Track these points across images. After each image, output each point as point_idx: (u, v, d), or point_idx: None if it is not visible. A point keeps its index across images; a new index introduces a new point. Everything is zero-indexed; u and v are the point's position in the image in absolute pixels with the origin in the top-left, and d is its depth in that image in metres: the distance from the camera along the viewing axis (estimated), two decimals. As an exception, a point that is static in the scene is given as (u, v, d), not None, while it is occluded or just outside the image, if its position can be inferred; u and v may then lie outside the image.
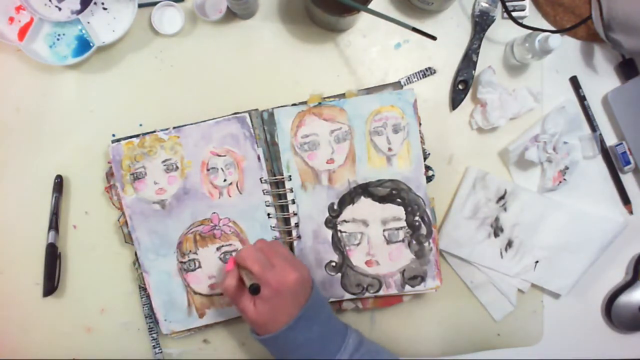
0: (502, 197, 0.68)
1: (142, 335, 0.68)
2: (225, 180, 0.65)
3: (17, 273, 0.68)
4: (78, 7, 0.66)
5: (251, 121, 0.65)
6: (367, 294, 0.65)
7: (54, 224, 0.67)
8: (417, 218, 0.65)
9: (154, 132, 0.65)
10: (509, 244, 0.68)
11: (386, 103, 0.65)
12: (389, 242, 0.65)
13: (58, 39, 0.66)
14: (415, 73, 0.69)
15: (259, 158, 0.65)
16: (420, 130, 0.66)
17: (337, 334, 0.56)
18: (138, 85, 0.68)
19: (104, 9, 0.67)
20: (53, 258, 0.66)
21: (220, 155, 0.65)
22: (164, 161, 0.65)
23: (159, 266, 0.65)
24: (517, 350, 0.70)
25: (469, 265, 0.69)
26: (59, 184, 0.67)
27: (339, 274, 0.65)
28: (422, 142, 0.66)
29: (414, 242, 0.65)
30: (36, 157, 0.68)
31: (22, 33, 0.65)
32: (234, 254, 0.65)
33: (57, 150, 0.68)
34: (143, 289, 0.67)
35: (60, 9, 0.66)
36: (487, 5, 0.69)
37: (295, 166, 0.65)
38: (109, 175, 0.67)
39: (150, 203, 0.65)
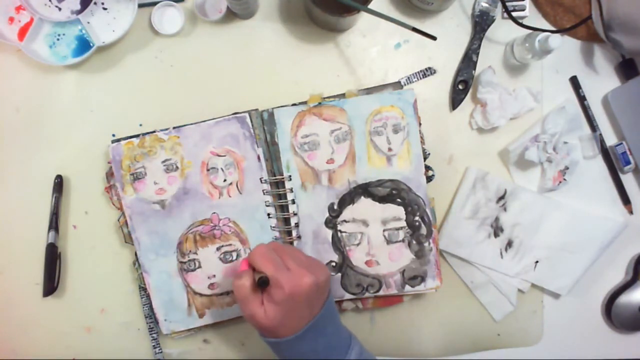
0: (502, 197, 0.68)
1: (142, 335, 0.68)
2: (225, 180, 0.65)
3: (17, 273, 0.68)
4: (78, 7, 0.66)
5: (251, 121, 0.65)
6: (367, 294, 0.65)
7: (54, 224, 0.67)
8: (417, 218, 0.65)
9: (154, 132, 0.65)
10: (509, 244, 0.68)
11: (386, 103, 0.65)
12: (389, 242, 0.65)
13: (58, 39, 0.66)
14: (415, 73, 0.69)
15: (259, 158, 0.65)
16: (420, 130, 0.66)
17: (342, 346, 0.55)
18: (138, 85, 0.68)
19: (104, 9, 0.67)
20: (53, 258, 0.66)
21: (220, 155, 0.65)
22: (163, 161, 0.65)
23: (159, 266, 0.65)
24: (517, 350, 0.70)
25: (469, 265, 0.69)
26: (59, 184, 0.67)
27: (339, 274, 0.65)
28: (422, 142, 0.66)
29: (414, 242, 0.65)
30: (36, 157, 0.68)
31: (22, 33, 0.65)
32: (234, 254, 0.65)
33: (57, 150, 0.68)
34: (143, 289, 0.67)
35: (60, 9, 0.66)
36: (487, 5, 0.69)
37: (295, 166, 0.65)
38: (109, 175, 0.66)
39: (150, 203, 0.65)
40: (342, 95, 0.67)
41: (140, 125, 0.68)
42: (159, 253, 0.65)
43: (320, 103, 0.65)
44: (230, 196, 0.65)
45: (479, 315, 0.69)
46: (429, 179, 0.67)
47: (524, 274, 0.68)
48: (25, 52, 0.65)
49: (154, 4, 0.67)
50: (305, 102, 0.66)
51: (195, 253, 0.65)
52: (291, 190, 0.65)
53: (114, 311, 0.68)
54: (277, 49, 0.69)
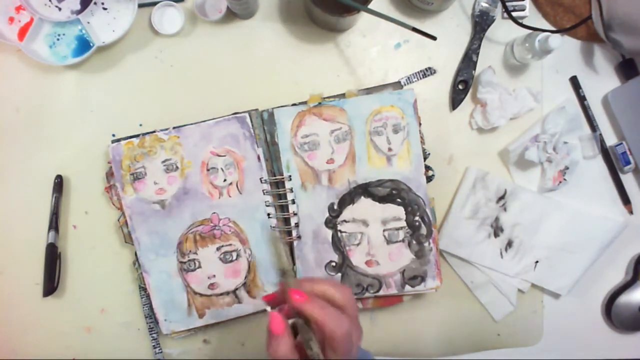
0: (502, 197, 0.68)
1: (142, 335, 0.68)
2: (225, 180, 0.65)
3: (17, 273, 0.68)
4: (78, 7, 0.66)
5: (251, 121, 0.65)
6: (367, 294, 0.65)
7: (54, 224, 0.67)
8: (417, 218, 0.65)
9: (154, 132, 0.65)
10: (509, 244, 0.68)
11: (386, 103, 0.65)
12: (389, 242, 0.65)
13: (58, 39, 0.66)
14: (415, 73, 0.69)
15: (259, 158, 0.65)
16: (420, 130, 0.66)
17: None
18: (138, 85, 0.68)
19: (104, 9, 0.67)
20: (53, 258, 0.66)
21: (220, 155, 0.65)
22: (163, 161, 0.65)
23: (159, 266, 0.65)
24: (517, 350, 0.70)
25: (469, 265, 0.69)
26: (59, 184, 0.67)
27: (339, 274, 0.65)
28: (422, 142, 0.66)
29: (414, 242, 0.65)
30: (36, 157, 0.68)
31: (22, 33, 0.65)
32: (234, 254, 0.65)
33: (57, 150, 0.68)
34: (143, 289, 0.67)
35: (60, 9, 0.66)
36: (487, 5, 0.69)
37: (295, 166, 0.65)
38: (109, 175, 0.66)
39: (150, 203, 0.65)
40: (342, 95, 0.67)
41: (140, 125, 0.68)
42: (159, 253, 0.65)
43: (320, 103, 0.65)
44: (230, 196, 0.65)
45: (479, 315, 0.69)
46: (429, 179, 0.67)
47: (524, 274, 0.68)
48: (25, 52, 0.65)
49: (154, 4, 0.67)
50: (305, 102, 0.66)
51: (195, 253, 0.65)
52: (291, 190, 0.65)
53: (114, 311, 0.68)
54: (277, 49, 0.69)
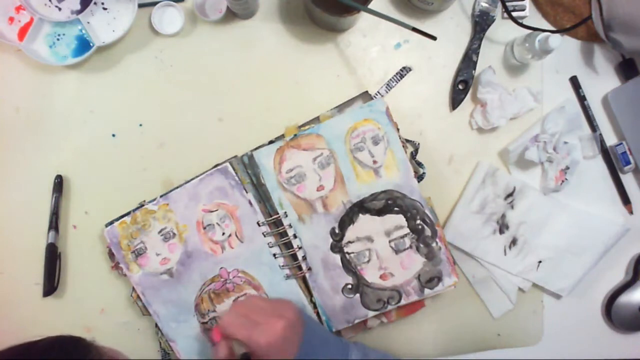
0: (510, 195, 0.68)
1: (142, 335, 0.68)
2: (223, 233, 0.64)
3: (17, 273, 0.68)
4: (78, 7, 0.66)
5: (234, 169, 0.64)
6: (389, 307, 0.64)
7: (54, 224, 0.67)
8: (418, 222, 0.64)
9: (142, 206, 0.64)
10: (514, 241, 0.68)
11: (359, 118, 0.64)
12: (397, 251, 0.64)
13: (58, 39, 0.66)
14: (393, 77, 0.69)
15: (250, 203, 0.64)
16: (399, 136, 0.65)
17: (339, 355, 0.56)
18: (138, 85, 0.68)
19: (104, 9, 0.67)
20: (53, 258, 0.66)
21: (212, 211, 0.64)
22: (159, 231, 0.64)
23: (183, 332, 0.65)
24: (517, 350, 0.70)
25: (471, 260, 0.69)
26: (59, 184, 0.67)
27: (358, 295, 0.64)
28: (404, 146, 0.65)
29: (422, 245, 0.64)
30: (36, 157, 0.68)
31: (22, 33, 0.65)
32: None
33: (57, 150, 0.68)
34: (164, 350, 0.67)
35: (60, 9, 0.66)
36: (487, 5, 0.69)
37: (287, 202, 0.64)
38: (111, 255, 0.66)
39: (158, 275, 0.64)
40: (317, 120, 0.66)
41: (140, 125, 0.68)
42: (179, 320, 0.65)
43: (296, 135, 0.64)
44: (232, 247, 0.64)
45: (479, 315, 0.69)
46: (420, 177, 0.66)
47: (526, 273, 0.68)
48: (25, 52, 0.65)
49: (154, 4, 0.67)
50: (281, 137, 0.65)
51: (214, 311, 0.64)
52: (290, 226, 0.64)
53: (114, 311, 0.68)
54: (277, 49, 0.69)
